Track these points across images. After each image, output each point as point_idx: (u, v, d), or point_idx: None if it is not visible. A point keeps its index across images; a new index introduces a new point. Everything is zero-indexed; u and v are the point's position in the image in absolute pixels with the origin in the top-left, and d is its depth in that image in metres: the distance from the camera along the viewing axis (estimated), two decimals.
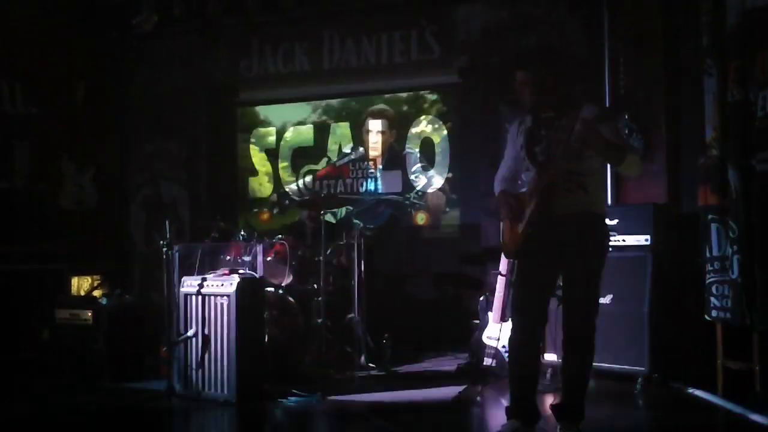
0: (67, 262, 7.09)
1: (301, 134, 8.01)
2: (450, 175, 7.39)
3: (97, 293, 6.92)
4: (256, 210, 8.12)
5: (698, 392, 4.97)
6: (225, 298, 5.02)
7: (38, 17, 7.53)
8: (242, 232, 6.13)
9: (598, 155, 3.80)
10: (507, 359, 5.18)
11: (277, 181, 8.07)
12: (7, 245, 6.87)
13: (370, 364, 6.01)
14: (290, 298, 5.98)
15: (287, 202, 7.96)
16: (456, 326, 6.49)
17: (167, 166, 8.32)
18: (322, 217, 6.17)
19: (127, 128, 8.46)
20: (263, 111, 8.19)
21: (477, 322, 5.80)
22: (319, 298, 6.06)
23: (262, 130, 8.16)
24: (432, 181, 7.46)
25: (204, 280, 5.17)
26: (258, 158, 8.15)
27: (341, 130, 7.86)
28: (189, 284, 5.20)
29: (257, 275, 5.57)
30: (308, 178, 7.90)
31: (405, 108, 7.65)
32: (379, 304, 6.46)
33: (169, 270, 5.35)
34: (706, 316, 4.90)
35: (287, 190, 8.00)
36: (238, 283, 5.04)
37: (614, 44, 6.49)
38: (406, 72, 7.54)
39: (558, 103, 3.88)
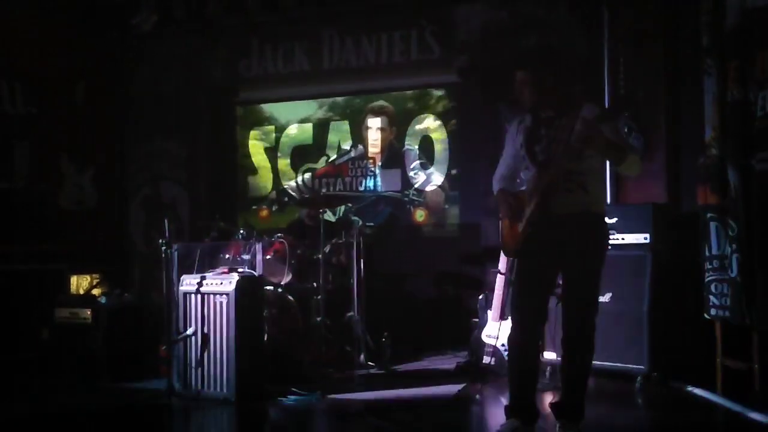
0: (67, 261, 7.09)
1: (304, 132, 7.99)
2: (454, 171, 7.37)
3: (96, 292, 6.92)
4: (255, 207, 8.12)
5: (697, 391, 4.97)
6: (224, 296, 5.02)
7: (38, 17, 7.53)
8: (241, 231, 6.13)
9: (599, 155, 3.81)
10: (506, 358, 5.19)
11: (278, 178, 8.08)
12: (7, 245, 6.87)
13: (370, 363, 6.01)
14: (289, 297, 5.98)
15: (286, 199, 7.97)
16: (455, 325, 6.49)
17: (167, 166, 8.33)
18: (321, 215, 6.18)
19: (127, 128, 8.46)
20: (268, 108, 8.17)
21: (476, 320, 5.80)
22: (319, 297, 6.06)
23: (267, 127, 8.15)
24: (431, 178, 7.47)
25: (203, 278, 5.17)
26: (264, 156, 8.14)
27: (343, 127, 7.86)
28: (188, 283, 5.20)
29: (256, 274, 5.57)
30: (307, 176, 7.90)
31: (410, 105, 7.64)
32: (379, 303, 6.46)
33: (168, 269, 5.35)
34: (706, 315, 4.91)
35: (286, 187, 8.01)
36: (238, 282, 5.04)
37: (614, 44, 6.50)
38: (405, 72, 7.53)
39: (558, 102, 3.88)
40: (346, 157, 7.26)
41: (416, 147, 7.53)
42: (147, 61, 8.38)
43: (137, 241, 8.39)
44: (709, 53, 4.91)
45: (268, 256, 6.06)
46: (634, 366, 5.15)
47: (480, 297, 5.81)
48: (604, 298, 5.13)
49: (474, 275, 6.93)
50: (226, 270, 5.26)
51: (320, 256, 6.04)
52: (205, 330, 5.06)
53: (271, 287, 5.90)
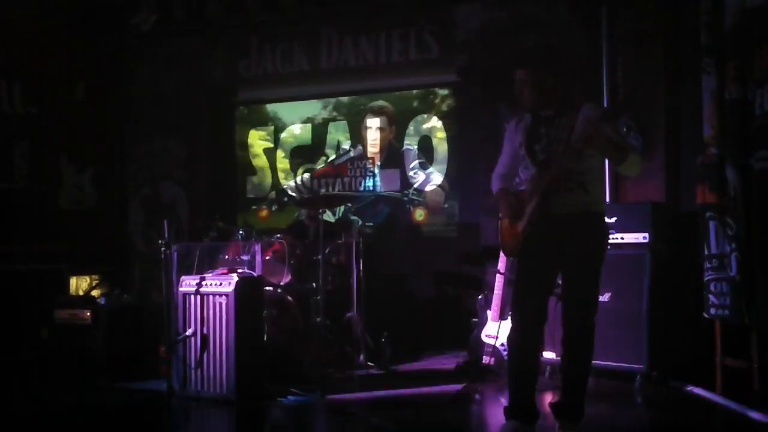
0: (67, 262, 7.09)
1: (309, 131, 7.99)
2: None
3: (95, 293, 6.92)
4: (254, 207, 8.12)
5: (697, 390, 4.97)
6: (224, 297, 5.02)
7: (38, 17, 7.54)
8: (241, 232, 6.13)
9: (601, 155, 3.81)
10: (506, 357, 5.19)
11: (278, 179, 8.08)
12: (7, 245, 6.87)
13: (369, 363, 6.01)
14: (289, 297, 5.98)
15: (286, 199, 7.97)
16: (455, 325, 6.49)
17: (167, 166, 8.33)
18: (320, 215, 6.18)
19: (127, 128, 8.46)
20: (272, 108, 8.17)
21: (476, 320, 5.80)
22: (318, 297, 6.06)
23: (271, 127, 8.14)
24: (431, 177, 7.47)
25: (203, 279, 5.17)
26: (267, 156, 8.14)
27: (342, 127, 7.87)
28: (188, 283, 5.20)
29: (256, 274, 5.57)
30: (306, 176, 7.90)
31: (409, 104, 7.64)
32: (378, 303, 6.46)
33: (167, 269, 5.35)
34: (705, 314, 4.91)
35: (285, 187, 8.01)
36: (237, 282, 5.04)
37: (614, 44, 6.49)
38: (405, 72, 7.53)
39: (557, 102, 3.89)
40: (345, 157, 7.25)
41: (415, 147, 7.53)
42: (147, 61, 8.38)
43: (137, 241, 8.39)
44: (709, 52, 4.91)
45: (267, 257, 6.06)
46: (634, 365, 5.15)
47: (479, 297, 5.82)
48: (604, 298, 5.12)
49: (474, 275, 6.93)
50: (225, 270, 5.26)
51: (320, 256, 6.04)
52: (205, 330, 5.06)
53: (271, 288, 5.89)
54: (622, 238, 5.38)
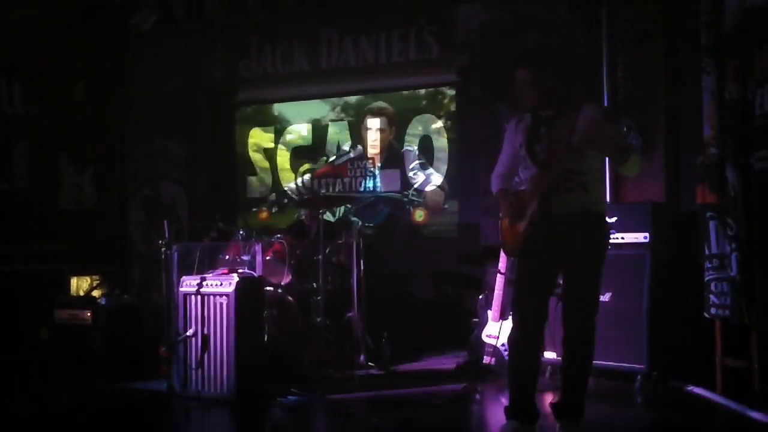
0: (67, 262, 7.09)
1: (319, 131, 7.97)
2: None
3: (96, 293, 6.92)
4: (255, 209, 8.12)
5: (697, 390, 4.97)
6: (224, 297, 5.02)
7: (38, 17, 7.55)
8: (241, 232, 6.13)
9: (604, 155, 3.81)
10: (506, 357, 5.19)
11: (280, 179, 8.09)
12: (7, 245, 6.87)
13: (370, 363, 6.01)
14: (289, 297, 5.99)
15: (286, 200, 7.97)
16: (455, 325, 6.50)
17: (167, 166, 8.33)
18: (320, 216, 6.18)
19: (127, 128, 8.47)
20: (279, 108, 8.17)
21: (476, 320, 5.80)
22: (318, 297, 6.06)
23: (273, 127, 8.13)
24: (431, 178, 7.47)
25: (203, 279, 5.16)
26: (273, 156, 8.14)
27: (342, 127, 7.87)
28: (188, 284, 5.20)
29: (256, 274, 5.57)
30: (306, 176, 7.90)
31: (409, 105, 7.64)
32: (379, 303, 6.46)
33: (168, 270, 5.35)
34: (705, 314, 4.90)
35: (286, 188, 8.02)
36: (237, 283, 5.04)
37: (614, 44, 6.49)
38: (405, 72, 7.54)
39: (557, 102, 3.89)
40: (345, 158, 7.26)
41: (416, 147, 7.53)
42: (147, 61, 8.38)
43: (137, 241, 8.39)
44: (709, 52, 4.91)
45: (267, 257, 6.06)
46: (634, 365, 5.15)
47: (480, 297, 5.82)
48: (604, 298, 5.12)
49: (474, 275, 6.93)
50: (225, 271, 5.26)
51: (320, 256, 6.04)
52: (205, 331, 5.06)
53: (271, 288, 5.89)
54: (622, 238, 5.38)
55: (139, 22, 7.33)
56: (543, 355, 5.21)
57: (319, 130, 7.94)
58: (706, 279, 4.86)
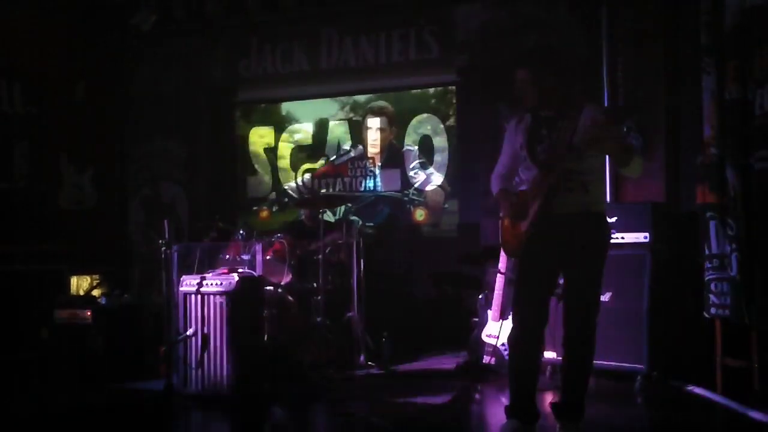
0: (67, 262, 7.08)
1: (331, 131, 7.96)
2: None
3: (96, 293, 6.92)
4: (255, 208, 8.12)
5: (697, 390, 4.96)
6: (224, 297, 5.02)
7: (38, 17, 7.55)
8: (241, 232, 6.13)
9: (607, 156, 3.81)
10: (506, 357, 5.20)
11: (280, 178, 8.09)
12: (7, 245, 6.87)
13: (370, 363, 6.01)
14: (289, 297, 5.99)
15: (286, 200, 7.98)
16: (455, 325, 6.49)
17: (167, 166, 8.33)
18: (320, 215, 6.18)
19: (127, 128, 8.47)
20: (287, 107, 8.16)
21: (476, 320, 5.80)
22: (319, 297, 6.06)
23: (295, 126, 8.10)
24: (431, 178, 7.47)
25: (203, 279, 5.17)
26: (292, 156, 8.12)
27: (342, 127, 7.87)
28: (188, 283, 5.20)
29: (256, 274, 5.57)
30: (307, 176, 7.90)
31: (409, 104, 7.63)
32: (379, 303, 6.46)
33: (168, 270, 5.35)
34: (705, 314, 4.90)
35: (286, 188, 8.02)
36: (237, 282, 5.04)
37: (614, 44, 6.50)
38: (405, 71, 7.54)
39: (557, 102, 3.88)
40: (345, 158, 7.26)
41: (416, 147, 7.54)
42: (147, 61, 8.38)
43: (137, 240, 8.39)
44: (709, 52, 4.91)
45: (267, 257, 6.06)
46: (634, 365, 5.14)
47: (480, 297, 5.81)
48: (605, 298, 5.12)
49: (474, 275, 6.93)
50: (225, 270, 5.26)
51: (320, 256, 6.04)
52: (205, 330, 5.06)
53: (271, 287, 5.89)
54: (622, 238, 5.37)
55: (139, 22, 7.33)
56: (543, 355, 5.22)
57: (322, 129, 7.93)
58: (706, 279, 4.86)
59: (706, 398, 4.85)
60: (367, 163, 7.66)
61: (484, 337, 5.62)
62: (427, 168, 7.50)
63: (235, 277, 5.08)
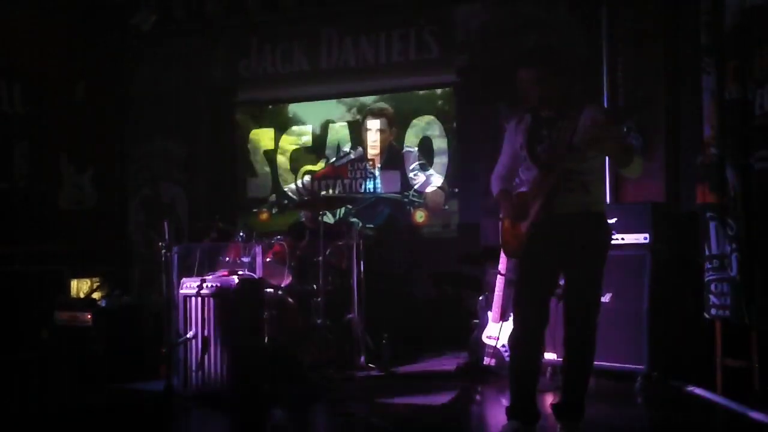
0: (67, 263, 7.08)
1: (337, 132, 7.93)
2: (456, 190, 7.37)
3: (96, 295, 6.92)
4: (255, 210, 8.12)
5: (697, 390, 4.96)
6: (224, 299, 5.01)
7: (38, 17, 7.55)
8: (241, 233, 6.13)
9: (608, 156, 3.81)
10: (506, 358, 5.19)
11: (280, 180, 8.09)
12: (7, 245, 6.87)
13: (370, 364, 6.00)
14: (289, 299, 5.98)
15: (286, 202, 7.97)
16: (455, 325, 6.49)
17: (167, 166, 8.33)
18: (321, 217, 6.18)
19: (127, 128, 8.47)
20: (287, 108, 8.14)
21: (476, 321, 5.80)
22: (319, 299, 6.06)
23: (296, 128, 8.09)
24: (431, 179, 7.47)
25: (203, 281, 5.16)
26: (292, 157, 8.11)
27: (342, 129, 7.87)
28: (188, 285, 5.20)
29: (256, 276, 5.57)
30: (307, 178, 7.90)
31: (409, 105, 7.62)
32: (379, 304, 6.45)
33: (168, 271, 5.35)
34: (706, 315, 4.90)
35: (286, 189, 8.01)
36: (237, 284, 5.03)
37: (614, 44, 6.50)
38: (405, 72, 7.53)
39: (558, 102, 3.88)
40: (345, 159, 7.26)
41: (416, 148, 7.53)
42: (147, 61, 8.38)
43: (137, 241, 8.39)
44: (709, 52, 4.91)
45: (267, 259, 6.05)
46: (634, 365, 5.14)
47: (480, 298, 5.81)
48: (605, 299, 5.12)
49: (474, 276, 6.93)
50: (225, 272, 5.26)
51: (320, 257, 6.04)
52: (205, 332, 5.06)
53: (271, 289, 5.89)
54: (622, 239, 5.37)
55: (139, 22, 7.33)
56: (544, 356, 5.21)
57: (322, 131, 7.92)
58: (706, 280, 4.86)
59: (706, 398, 4.85)
60: (367, 165, 7.65)
61: (484, 339, 5.61)
62: (427, 169, 7.49)
63: (236, 279, 5.08)
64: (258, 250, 5.91)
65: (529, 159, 3.92)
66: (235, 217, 7.96)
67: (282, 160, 8.05)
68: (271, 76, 8.05)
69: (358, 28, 7.70)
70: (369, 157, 7.66)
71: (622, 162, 3.82)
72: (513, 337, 4.05)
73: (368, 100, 7.77)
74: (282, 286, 6.07)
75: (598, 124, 3.63)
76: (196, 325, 5.09)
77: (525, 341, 3.94)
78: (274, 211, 8.04)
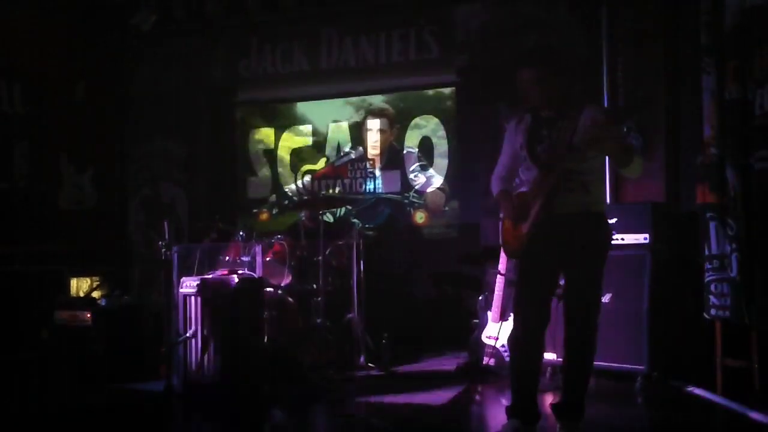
0: (67, 263, 7.08)
1: (341, 132, 7.93)
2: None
3: (96, 294, 6.92)
4: (255, 210, 8.12)
5: (697, 390, 4.96)
6: (224, 298, 5.01)
7: (38, 17, 7.55)
8: (241, 233, 6.13)
9: (608, 157, 3.80)
10: (506, 358, 5.19)
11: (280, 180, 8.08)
12: (7, 245, 6.87)
13: (370, 364, 6.00)
14: (289, 299, 5.98)
15: (286, 202, 7.97)
16: (455, 325, 6.49)
17: (167, 166, 8.33)
18: (320, 217, 6.18)
19: (127, 128, 8.47)
20: (287, 108, 8.14)
21: (476, 321, 5.80)
22: (319, 298, 6.06)
23: (296, 128, 8.09)
24: (431, 180, 7.47)
25: (203, 280, 5.16)
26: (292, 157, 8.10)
27: (342, 128, 7.87)
28: (188, 285, 5.20)
29: (256, 275, 5.57)
30: (307, 178, 7.90)
31: (410, 105, 7.62)
32: (379, 304, 6.45)
33: (168, 271, 5.35)
34: (705, 315, 4.90)
35: (286, 190, 8.01)
36: (237, 284, 5.03)
37: (614, 44, 6.50)
38: (405, 72, 7.53)
39: (558, 102, 3.88)
40: (345, 159, 7.27)
41: (416, 149, 7.53)
42: (147, 61, 8.38)
43: (137, 241, 8.39)
44: (709, 52, 4.91)
45: (267, 258, 6.05)
46: (634, 366, 5.14)
47: (480, 298, 5.81)
48: (605, 299, 5.11)
49: (474, 276, 6.93)
50: (225, 272, 5.25)
51: (320, 257, 6.04)
52: (205, 332, 5.06)
53: (271, 289, 5.89)
54: (622, 239, 5.37)
55: (139, 22, 7.34)
56: (544, 356, 5.21)
57: (322, 131, 7.92)
58: (706, 280, 4.85)
59: (706, 399, 4.85)
60: (368, 165, 7.65)
61: (484, 339, 5.61)
62: (428, 170, 7.49)
63: (235, 278, 5.08)
64: (258, 249, 5.91)
65: (529, 159, 3.92)
66: (235, 217, 7.96)
67: (282, 160, 8.05)
68: (271, 76, 8.05)
69: (358, 28, 7.70)
70: (369, 157, 7.66)
71: (622, 162, 3.82)
72: (513, 337, 4.05)
73: (367, 100, 7.76)
74: (282, 285, 6.07)
75: (598, 124, 3.63)
76: (196, 324, 5.08)
77: (525, 341, 3.94)
78: (274, 212, 8.04)
